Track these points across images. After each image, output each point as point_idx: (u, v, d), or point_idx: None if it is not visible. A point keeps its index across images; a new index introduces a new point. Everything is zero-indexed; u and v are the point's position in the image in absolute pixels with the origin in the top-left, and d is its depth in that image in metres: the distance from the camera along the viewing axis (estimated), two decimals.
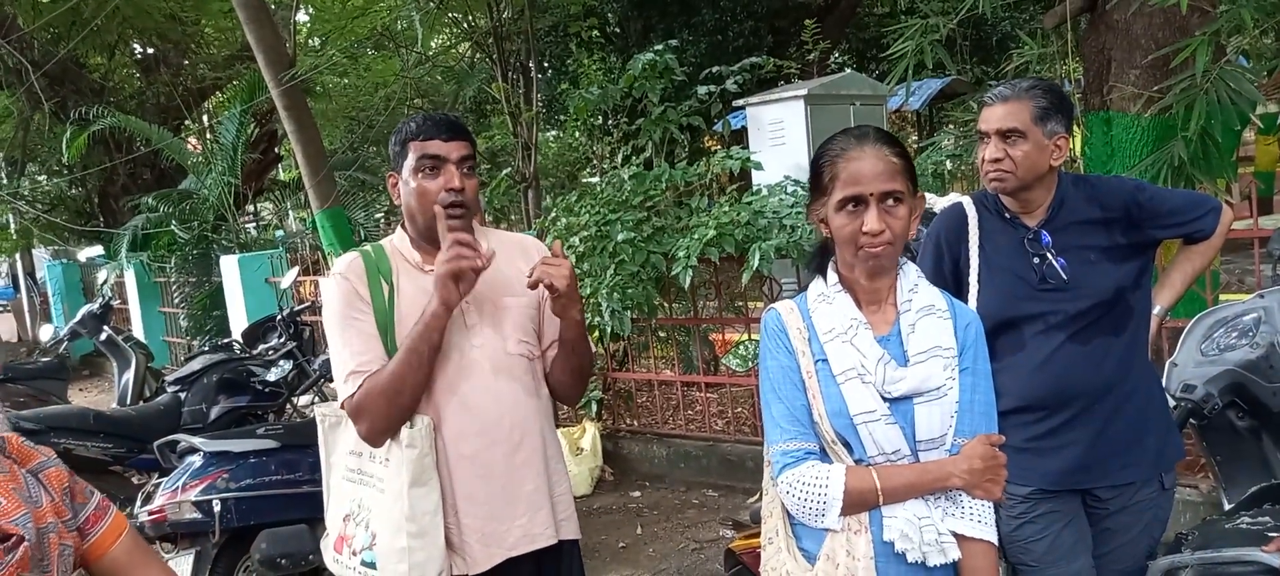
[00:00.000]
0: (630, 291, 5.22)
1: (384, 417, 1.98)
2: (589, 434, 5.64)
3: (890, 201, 1.62)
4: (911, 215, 1.67)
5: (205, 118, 14.11)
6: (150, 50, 12.58)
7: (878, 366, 1.66)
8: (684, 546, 4.62)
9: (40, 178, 13.80)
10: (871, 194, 1.61)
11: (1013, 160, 2.19)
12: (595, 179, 8.03)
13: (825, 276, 1.75)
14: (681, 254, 5.01)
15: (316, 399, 5.56)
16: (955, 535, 1.66)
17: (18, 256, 15.35)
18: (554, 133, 11.89)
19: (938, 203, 2.51)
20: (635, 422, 5.96)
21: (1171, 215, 2.27)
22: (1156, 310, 2.39)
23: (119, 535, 1.44)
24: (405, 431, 1.98)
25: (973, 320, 1.74)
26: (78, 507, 1.41)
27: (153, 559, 1.47)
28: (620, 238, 5.27)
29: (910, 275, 1.75)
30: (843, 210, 1.64)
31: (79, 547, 1.38)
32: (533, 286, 1.98)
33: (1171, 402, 2.47)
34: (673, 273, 5.08)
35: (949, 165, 7.01)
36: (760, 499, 4.97)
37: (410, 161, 2.04)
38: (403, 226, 2.15)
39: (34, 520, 1.27)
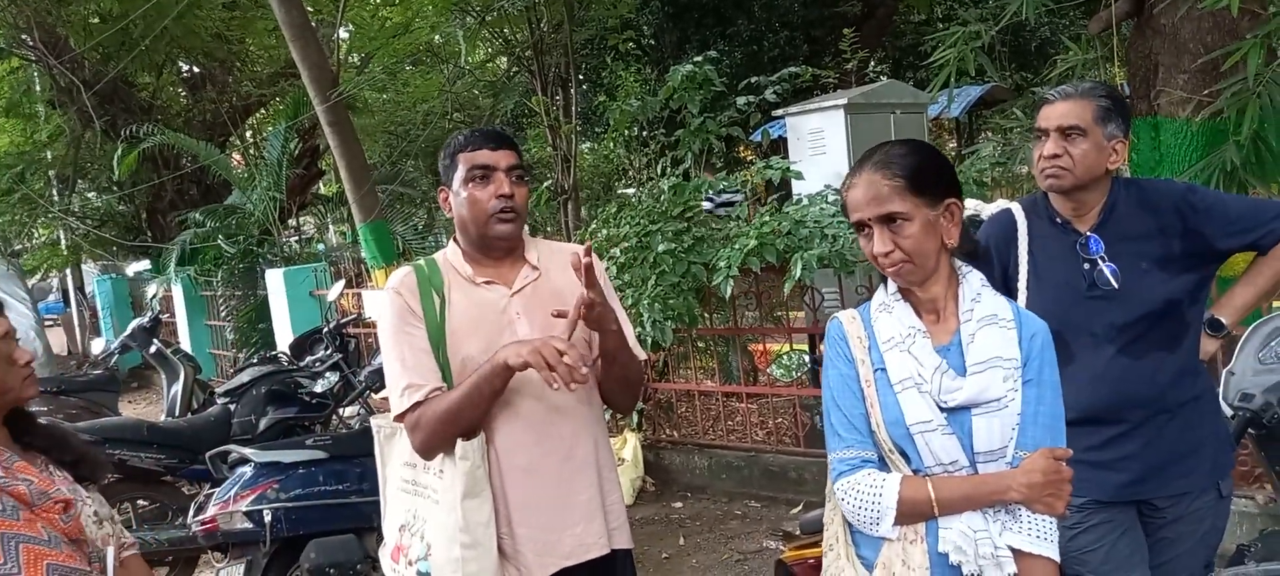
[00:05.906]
0: (671, 302, 5.23)
1: (440, 438, 2.02)
2: (630, 444, 5.65)
3: (897, 222, 1.63)
4: (928, 227, 1.64)
5: (249, 134, 14.37)
6: (197, 69, 12.86)
7: (934, 375, 1.64)
8: (727, 557, 4.61)
9: (90, 194, 14.11)
10: (869, 220, 1.65)
11: (1071, 158, 2.15)
12: (630, 190, 8.06)
13: (887, 285, 1.75)
14: (722, 264, 5.01)
15: (362, 410, 5.63)
16: (1014, 550, 1.62)
17: (68, 271, 15.67)
18: (588, 144, 11.98)
19: (985, 209, 2.48)
20: (676, 433, 5.96)
21: (1236, 222, 2.17)
22: (1212, 319, 2.31)
23: None
24: (459, 444, 2.00)
25: (1039, 330, 1.70)
26: None
27: None
28: (661, 248, 5.29)
29: (974, 284, 1.72)
30: (860, 233, 1.69)
31: None
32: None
33: (1229, 411, 2.42)
34: (713, 283, 5.08)
35: (993, 173, 6.93)
36: (805, 510, 4.93)
37: (460, 173, 2.08)
38: (455, 239, 2.18)
39: None
